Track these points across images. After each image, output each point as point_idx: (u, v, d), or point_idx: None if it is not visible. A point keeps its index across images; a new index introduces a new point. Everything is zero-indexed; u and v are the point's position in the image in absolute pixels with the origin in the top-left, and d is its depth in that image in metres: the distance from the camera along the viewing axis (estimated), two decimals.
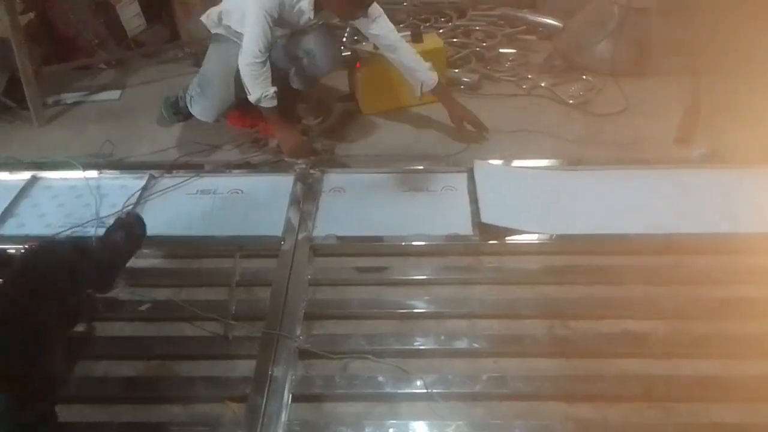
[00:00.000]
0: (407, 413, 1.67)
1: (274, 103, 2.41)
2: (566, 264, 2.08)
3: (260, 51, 2.29)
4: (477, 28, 3.37)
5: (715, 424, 1.61)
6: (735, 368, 1.74)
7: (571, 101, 2.90)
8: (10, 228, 2.30)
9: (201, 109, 2.65)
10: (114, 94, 3.21)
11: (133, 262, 2.10)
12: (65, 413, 1.68)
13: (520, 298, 1.98)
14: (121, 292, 2.01)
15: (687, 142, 2.59)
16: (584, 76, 3.04)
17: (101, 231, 2.21)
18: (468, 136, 2.69)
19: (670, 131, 2.65)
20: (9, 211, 2.37)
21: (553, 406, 1.67)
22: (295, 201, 2.34)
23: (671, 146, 2.60)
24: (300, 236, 2.18)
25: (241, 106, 2.64)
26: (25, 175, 2.56)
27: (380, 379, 1.74)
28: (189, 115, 2.77)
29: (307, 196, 2.37)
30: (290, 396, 1.69)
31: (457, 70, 3.12)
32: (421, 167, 2.52)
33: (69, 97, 3.20)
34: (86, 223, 2.28)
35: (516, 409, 1.66)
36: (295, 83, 2.70)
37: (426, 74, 2.57)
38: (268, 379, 1.71)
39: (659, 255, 2.09)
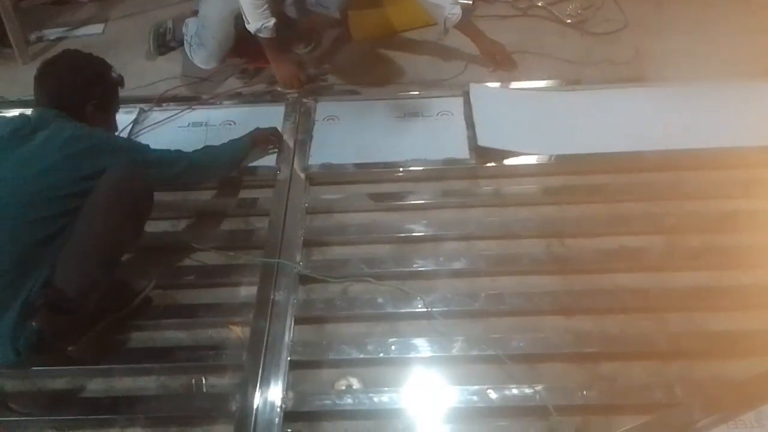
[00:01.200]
0: (408, 331, 1.70)
1: (273, 34, 2.34)
2: (564, 184, 2.07)
3: None
4: None
5: (708, 332, 1.65)
6: (729, 279, 1.76)
7: (568, 20, 2.82)
8: None
9: (202, 58, 2.58)
10: (97, 28, 3.11)
11: None
12: None
13: (517, 219, 1.98)
14: None
15: None
16: None
17: None
18: (500, 68, 2.57)
19: (669, 48, 2.58)
20: None
21: (551, 319, 1.70)
22: (288, 130, 2.30)
23: (667, 64, 2.54)
24: (295, 165, 2.17)
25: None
26: (13, 113, 2.51)
27: (380, 300, 1.76)
28: (172, 49, 2.69)
29: (300, 126, 2.33)
30: (293, 319, 1.72)
31: None
32: (416, 93, 2.48)
33: (51, 33, 3.10)
34: None
35: (514, 324, 1.70)
36: (291, 12, 2.61)
37: (450, 8, 2.37)
38: (270, 304, 1.73)
39: (657, 172, 2.08)
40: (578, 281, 1.79)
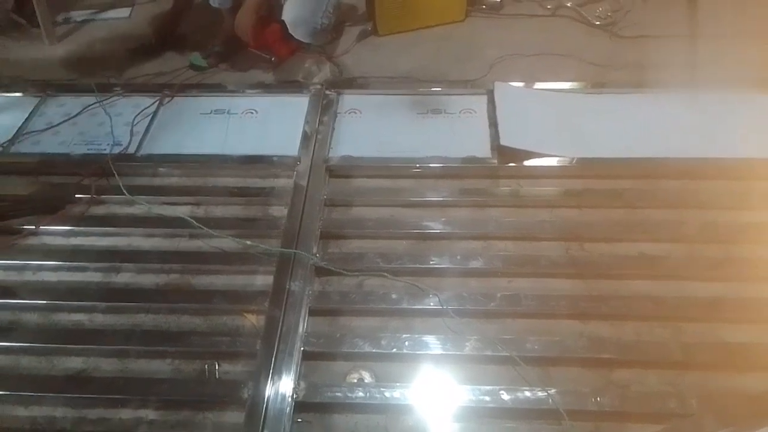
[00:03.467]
0: (421, 328, 1.70)
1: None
2: (585, 187, 2.05)
3: None
4: None
5: (725, 344, 1.63)
6: (748, 290, 1.73)
7: (597, 22, 2.79)
8: (26, 145, 2.31)
9: None
10: (124, 12, 3.13)
11: (151, 180, 2.14)
12: (89, 319, 1.75)
13: (537, 221, 1.97)
14: (137, 208, 2.03)
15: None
16: None
17: (116, 149, 2.22)
18: None
19: (698, 54, 2.53)
20: (24, 128, 2.37)
21: (566, 323, 1.69)
22: (310, 121, 2.30)
23: (698, 70, 2.50)
24: (316, 156, 2.17)
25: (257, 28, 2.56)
26: (39, 94, 2.54)
27: (395, 295, 1.76)
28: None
29: (322, 117, 2.33)
30: (307, 309, 1.72)
31: None
32: (439, 89, 2.46)
33: (78, 15, 3.13)
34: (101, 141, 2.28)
35: (529, 326, 1.69)
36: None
37: None
38: (285, 294, 1.73)
39: (679, 179, 2.06)
40: (596, 286, 1.77)
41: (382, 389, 1.55)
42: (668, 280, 1.78)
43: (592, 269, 1.81)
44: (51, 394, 1.59)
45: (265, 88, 2.54)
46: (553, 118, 2.26)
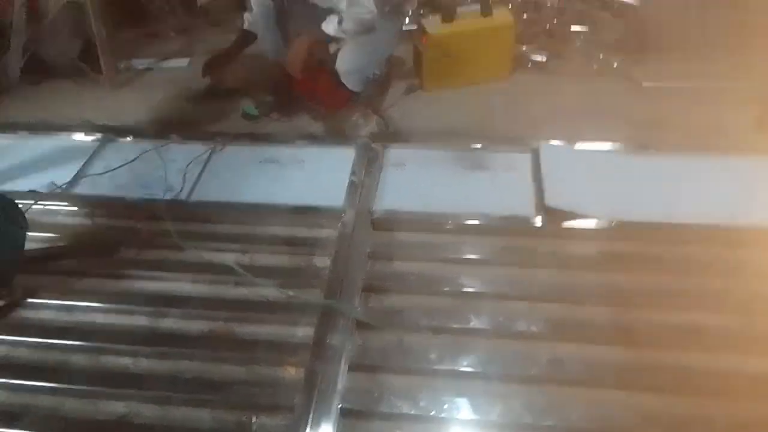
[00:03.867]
0: (462, 390, 1.66)
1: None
2: (632, 252, 2.02)
3: None
4: (548, 3, 3.25)
5: None
6: None
7: (644, 83, 2.79)
8: (84, 187, 2.41)
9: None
10: (183, 62, 3.29)
11: (200, 227, 2.19)
12: (134, 363, 1.78)
13: (582, 284, 1.93)
14: (186, 254, 2.08)
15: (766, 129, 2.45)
16: (660, 57, 2.91)
17: (169, 194, 2.30)
18: None
19: (749, 117, 2.51)
20: (83, 171, 2.48)
21: (612, 393, 1.63)
22: (356, 173, 2.35)
23: (749, 134, 2.46)
24: (360, 209, 2.19)
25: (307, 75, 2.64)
26: (99, 137, 2.66)
27: (435, 354, 1.74)
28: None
29: (368, 170, 2.37)
30: (347, 365, 1.71)
31: (525, 47, 3.04)
32: (484, 146, 2.48)
33: (139, 63, 3.30)
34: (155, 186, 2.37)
35: (574, 395, 1.64)
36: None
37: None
38: (326, 347, 1.74)
39: (730, 247, 1.99)
40: (643, 355, 1.71)
41: None
42: (719, 352, 1.71)
43: (640, 337, 1.76)
44: None
45: (314, 139, 2.61)
46: (600, 180, 2.25)
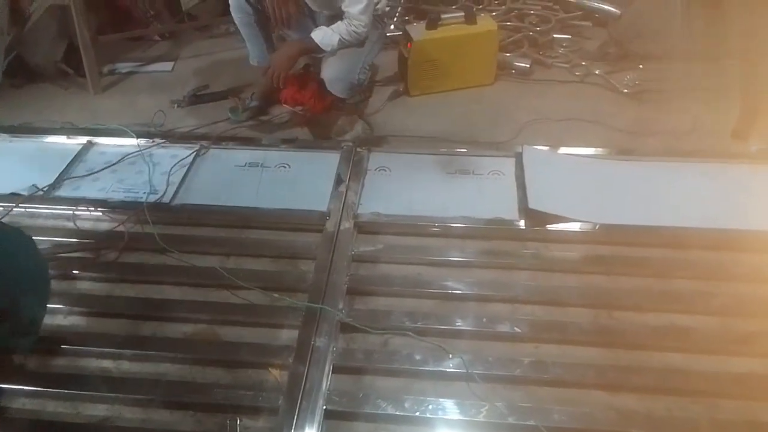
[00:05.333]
0: (446, 391, 1.67)
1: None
2: (613, 254, 2.05)
3: None
4: (531, 12, 3.31)
5: (760, 423, 1.57)
6: None
7: (625, 90, 2.84)
8: (66, 190, 2.39)
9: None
10: (167, 66, 3.28)
11: (183, 230, 2.18)
12: (116, 366, 1.76)
13: (564, 286, 1.95)
14: (169, 257, 2.07)
15: (744, 136, 2.50)
16: (640, 65, 2.96)
17: (152, 197, 2.29)
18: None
19: (728, 123, 2.56)
20: (65, 173, 2.45)
21: (594, 394, 1.65)
22: (340, 178, 2.35)
23: (728, 139, 2.51)
24: (345, 212, 2.20)
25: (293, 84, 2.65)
26: (81, 140, 2.64)
27: (420, 356, 1.74)
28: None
29: (352, 174, 2.38)
30: (331, 367, 1.71)
31: (509, 54, 3.08)
32: (468, 150, 2.50)
33: (123, 67, 3.28)
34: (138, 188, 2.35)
35: (556, 395, 1.65)
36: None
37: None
38: (310, 350, 1.73)
39: (710, 250, 2.04)
40: (625, 356, 1.74)
41: None
42: (700, 353, 1.74)
43: (622, 338, 1.78)
44: None
45: (298, 143, 2.61)
46: (582, 184, 2.28)
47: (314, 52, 2.52)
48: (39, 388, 1.71)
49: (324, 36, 2.42)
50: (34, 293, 1.71)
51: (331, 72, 2.60)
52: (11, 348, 1.70)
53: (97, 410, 1.67)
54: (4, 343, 1.64)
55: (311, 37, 2.43)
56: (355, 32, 2.40)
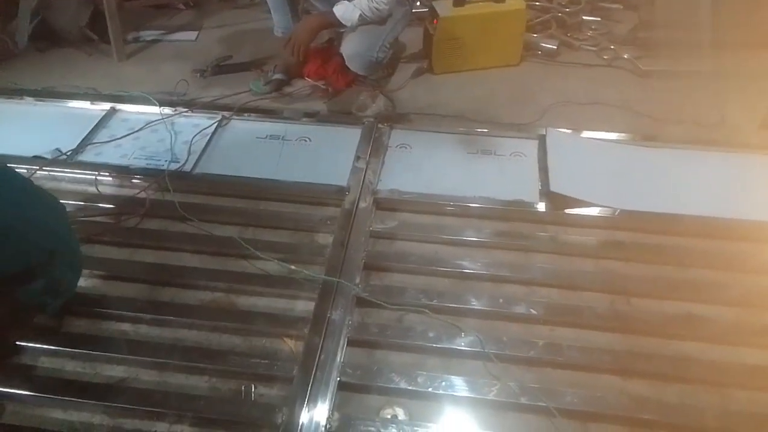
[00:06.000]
0: (459, 369, 1.68)
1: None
2: (633, 241, 2.03)
3: None
4: None
5: None
6: None
7: (653, 75, 2.78)
8: (89, 155, 2.41)
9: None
10: (191, 35, 3.27)
11: (203, 199, 2.20)
12: (134, 330, 1.79)
13: (582, 270, 1.95)
14: (188, 225, 2.09)
15: None
16: (670, 51, 2.89)
17: (173, 166, 2.30)
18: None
19: (757, 114, 2.50)
20: (88, 139, 2.48)
21: (607, 378, 1.65)
22: (361, 153, 2.35)
23: (755, 130, 2.46)
24: (364, 188, 2.20)
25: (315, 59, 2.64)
26: (105, 107, 2.66)
27: (433, 333, 1.75)
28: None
29: (373, 150, 2.37)
30: (346, 340, 1.73)
31: (536, 35, 3.03)
32: (490, 131, 2.48)
33: (147, 35, 3.28)
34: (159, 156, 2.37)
35: (568, 378, 1.66)
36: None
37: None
38: (326, 322, 1.75)
39: (730, 240, 2.01)
40: (640, 343, 1.73)
41: (415, 428, 1.54)
42: (715, 343, 1.73)
43: (637, 325, 1.77)
44: (91, 402, 1.62)
45: (320, 117, 2.60)
46: (604, 168, 2.25)
47: (335, 26, 2.50)
48: (59, 347, 1.75)
49: (345, 10, 2.39)
50: (71, 255, 1.74)
51: (349, 48, 2.58)
52: (40, 306, 1.72)
53: (115, 371, 1.70)
54: (34, 301, 1.67)
55: (333, 11, 2.41)
56: (376, 8, 2.37)
